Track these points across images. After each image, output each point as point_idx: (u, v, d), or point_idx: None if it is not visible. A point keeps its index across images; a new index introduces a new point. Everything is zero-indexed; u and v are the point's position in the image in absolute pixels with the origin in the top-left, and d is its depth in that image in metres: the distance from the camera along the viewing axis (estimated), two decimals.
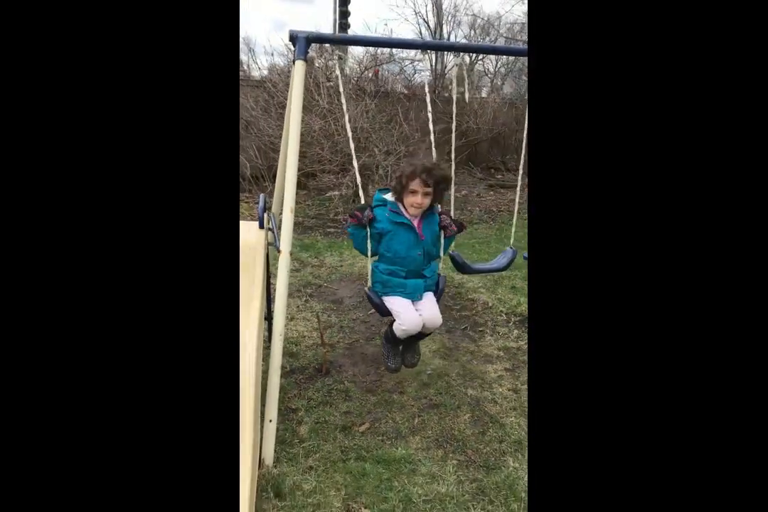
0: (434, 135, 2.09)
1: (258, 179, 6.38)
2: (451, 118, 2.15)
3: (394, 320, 1.90)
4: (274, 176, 6.58)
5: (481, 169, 8.98)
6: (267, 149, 6.14)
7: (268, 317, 2.57)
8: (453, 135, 2.16)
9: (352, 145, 2.03)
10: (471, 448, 1.95)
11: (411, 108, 6.80)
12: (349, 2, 9.76)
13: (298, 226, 5.21)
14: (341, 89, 2.05)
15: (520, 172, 2.47)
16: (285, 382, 2.34)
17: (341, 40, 2.26)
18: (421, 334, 1.99)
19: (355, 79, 7.15)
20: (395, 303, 1.87)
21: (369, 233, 1.83)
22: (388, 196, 1.90)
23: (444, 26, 10.25)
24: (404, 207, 1.85)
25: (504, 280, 3.89)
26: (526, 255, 3.53)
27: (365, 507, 1.64)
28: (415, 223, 1.86)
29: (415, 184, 1.77)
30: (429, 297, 1.93)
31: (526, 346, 2.84)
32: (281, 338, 1.94)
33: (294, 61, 2.00)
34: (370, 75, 7.36)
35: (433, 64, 9.66)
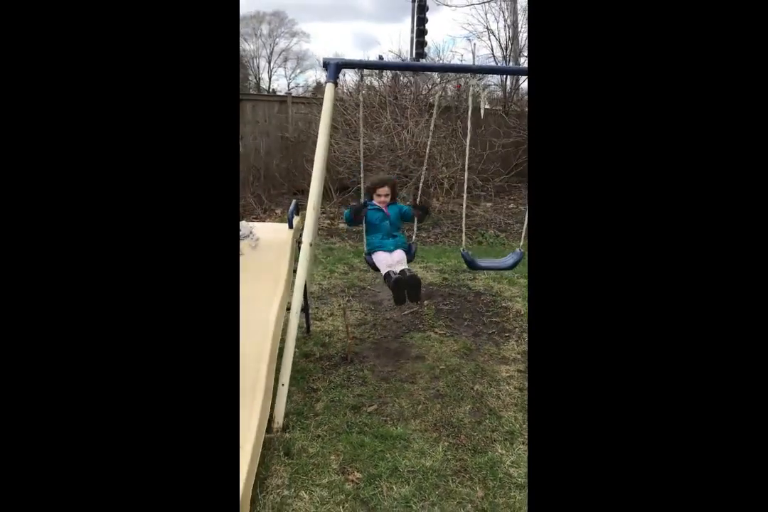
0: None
1: (326, 192, 6.87)
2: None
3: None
4: (342, 189, 7.01)
5: None
6: (334, 164, 6.62)
7: (305, 309, 2.90)
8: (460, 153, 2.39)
9: (362, 160, 2.38)
10: (464, 434, 2.13)
11: (473, 123, 6.99)
12: (426, 21, 10.22)
13: (355, 234, 5.57)
14: (361, 113, 2.36)
15: None
16: (312, 367, 2.66)
17: (368, 65, 2.59)
18: (402, 275, 2.57)
19: (423, 94, 7.48)
20: (377, 255, 2.78)
21: (363, 219, 2.82)
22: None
23: (517, 41, 10.34)
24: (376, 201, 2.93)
25: None
26: None
27: (357, 471, 1.89)
28: (383, 207, 2.89)
29: (380, 191, 2.85)
30: (399, 252, 2.81)
31: None
32: (297, 315, 2.26)
33: (326, 84, 2.35)
34: (445, 90, 7.66)
35: (504, 79, 9.79)
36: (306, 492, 1.77)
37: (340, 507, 1.72)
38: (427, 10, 10.20)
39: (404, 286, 2.52)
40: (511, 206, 7.39)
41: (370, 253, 2.81)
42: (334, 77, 2.32)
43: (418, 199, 3.28)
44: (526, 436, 2.13)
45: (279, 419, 2.10)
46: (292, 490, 1.78)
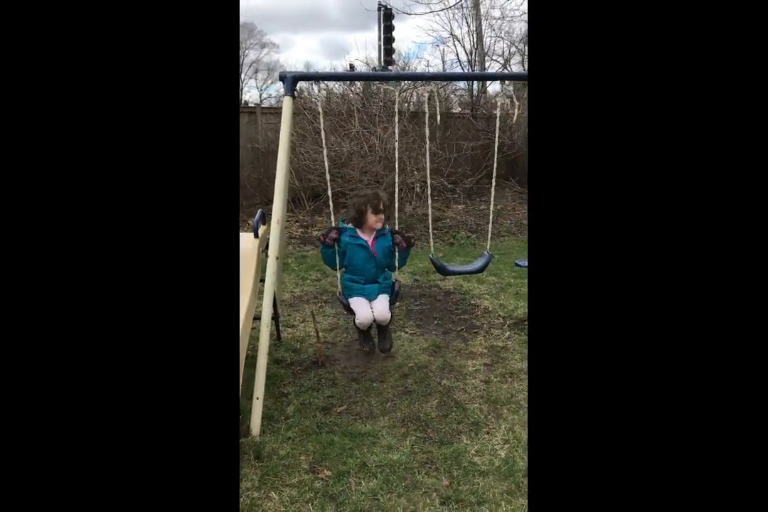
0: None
1: (298, 200, 6.92)
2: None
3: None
4: (314, 197, 7.07)
5: (521, 183, 9.10)
6: (305, 172, 6.69)
7: (275, 317, 2.94)
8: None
9: (327, 170, 2.43)
10: (432, 427, 2.20)
11: (440, 128, 7.14)
12: (392, 29, 10.40)
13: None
14: (321, 123, 2.44)
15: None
16: (283, 372, 2.70)
17: (324, 76, 2.67)
18: (379, 325, 2.50)
19: (391, 100, 7.61)
20: (355, 303, 2.49)
21: (336, 250, 2.40)
22: (349, 225, 2.50)
23: (481, 46, 10.57)
24: (361, 231, 2.47)
25: (510, 288, 4.07)
26: (517, 262, 3.72)
27: (326, 469, 1.94)
28: (370, 243, 2.44)
29: (374, 216, 2.42)
30: (382, 298, 2.51)
31: (510, 345, 3.03)
32: (267, 329, 2.30)
33: (283, 97, 2.42)
34: (412, 96, 7.80)
35: (471, 84, 9.99)
36: (276, 493, 1.82)
37: (309, 504, 1.76)
38: (393, 17, 10.39)
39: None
40: (482, 207, 7.53)
41: (346, 296, 2.47)
42: (291, 90, 2.39)
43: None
44: (490, 425, 2.21)
45: (255, 431, 2.13)
46: (262, 492, 1.82)
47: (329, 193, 2.50)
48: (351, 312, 2.49)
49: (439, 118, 2.58)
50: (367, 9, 10.66)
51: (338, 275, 2.49)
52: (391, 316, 2.55)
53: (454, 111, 9.51)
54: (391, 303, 2.50)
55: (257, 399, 2.18)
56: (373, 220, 2.38)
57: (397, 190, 2.48)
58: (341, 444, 2.06)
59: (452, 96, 9.71)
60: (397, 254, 2.49)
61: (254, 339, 2.44)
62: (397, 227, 2.56)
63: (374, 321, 2.50)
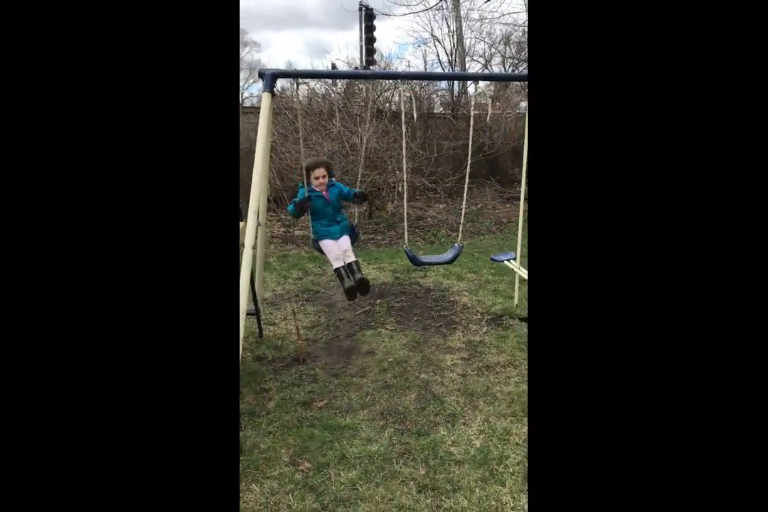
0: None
1: (280, 200, 6.93)
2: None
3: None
4: (296, 196, 7.05)
5: (501, 183, 9.22)
6: (286, 171, 6.70)
7: (257, 314, 2.97)
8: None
9: (303, 161, 2.46)
10: (410, 419, 2.26)
11: (420, 127, 7.22)
12: (374, 29, 10.45)
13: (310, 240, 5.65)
14: (300, 121, 2.47)
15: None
16: (264, 369, 2.74)
17: (302, 74, 2.72)
18: (349, 265, 2.89)
19: (372, 101, 7.66)
20: (325, 244, 2.93)
21: (302, 209, 2.91)
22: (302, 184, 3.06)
23: (462, 47, 10.68)
24: (314, 186, 3.01)
25: (489, 285, 4.15)
26: (493, 257, 3.81)
27: (307, 461, 1.98)
28: (324, 193, 2.98)
29: (312, 174, 2.94)
30: (345, 238, 2.99)
31: (487, 339, 3.11)
32: (243, 320, 2.33)
33: (262, 93, 2.45)
34: (394, 96, 7.85)
35: (452, 85, 10.09)
36: (257, 485, 1.86)
37: (290, 495, 1.81)
38: (375, 18, 10.44)
39: (356, 290, 2.81)
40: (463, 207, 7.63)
41: (317, 240, 2.98)
42: (270, 87, 2.43)
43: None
44: (467, 417, 2.27)
45: None
46: (243, 484, 1.86)
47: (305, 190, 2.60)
48: (321, 252, 2.99)
49: (416, 116, 2.71)
50: (347, 9, 10.67)
51: (310, 226, 3.02)
52: (356, 256, 2.99)
53: (435, 111, 9.60)
54: (353, 242, 3.04)
55: None
56: (315, 182, 2.95)
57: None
58: (321, 438, 2.11)
59: (434, 96, 9.82)
60: (354, 200, 3.06)
61: None
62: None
63: (343, 257, 2.92)
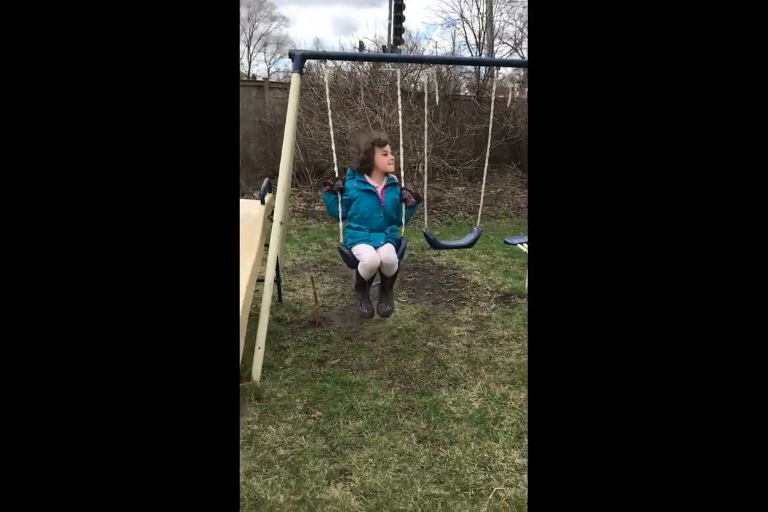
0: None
1: (302, 176, 7.08)
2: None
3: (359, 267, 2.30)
4: (318, 172, 7.20)
5: (523, 168, 9.23)
6: (310, 148, 6.83)
7: (278, 280, 3.16)
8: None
9: (333, 144, 2.58)
10: (415, 381, 2.44)
11: (444, 109, 7.26)
12: (403, 8, 10.36)
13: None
14: (328, 100, 2.60)
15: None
16: (283, 329, 2.94)
17: (330, 55, 2.83)
18: (384, 277, 2.42)
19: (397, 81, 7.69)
20: (360, 248, 2.30)
21: (340, 199, 2.33)
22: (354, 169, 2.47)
23: (491, 29, 10.55)
24: (370, 177, 2.37)
25: (501, 266, 4.28)
26: (506, 240, 3.92)
27: (318, 410, 2.18)
28: (379, 190, 2.36)
29: (380, 150, 2.30)
30: (388, 246, 2.30)
31: (494, 315, 3.26)
32: (270, 287, 2.52)
33: (291, 74, 2.58)
34: (419, 77, 7.86)
35: (479, 68, 10.00)
36: (273, 427, 2.06)
37: (303, 437, 2.01)
38: None
39: (370, 317, 2.41)
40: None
41: (348, 246, 2.29)
42: (299, 68, 2.55)
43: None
44: (468, 381, 2.45)
45: (256, 377, 2.37)
46: (261, 425, 2.07)
47: (335, 169, 2.63)
48: (352, 263, 2.27)
49: (437, 99, 2.73)
50: None
51: (340, 226, 2.34)
52: (398, 269, 2.35)
53: (461, 93, 9.57)
54: (399, 257, 2.30)
55: (259, 348, 2.41)
56: (385, 160, 2.21)
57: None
58: (333, 391, 2.31)
59: (461, 78, 9.75)
60: (404, 210, 2.39)
61: (257, 300, 2.65)
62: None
63: (380, 269, 2.29)
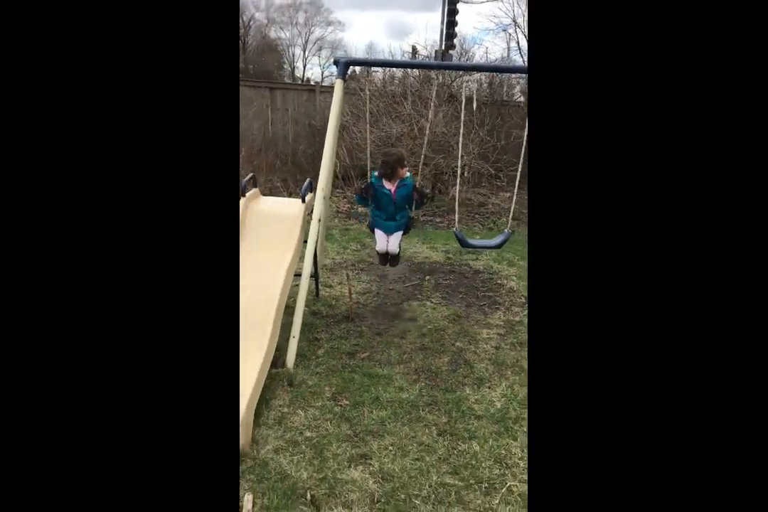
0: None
1: (348, 178, 7.26)
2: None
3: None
4: (363, 175, 7.36)
5: None
6: (356, 151, 7.00)
7: (315, 276, 3.31)
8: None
9: (368, 149, 2.70)
10: (440, 378, 2.51)
11: (489, 115, 7.26)
12: (456, 13, 10.41)
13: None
14: (367, 107, 2.73)
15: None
16: (318, 322, 3.08)
17: (372, 63, 2.96)
18: (391, 254, 3.17)
19: (445, 86, 7.76)
20: (377, 234, 3.17)
21: (369, 198, 3.08)
22: (377, 175, 3.13)
23: None
24: (387, 181, 3.04)
25: None
26: None
27: (345, 399, 2.30)
28: (392, 191, 3.05)
29: (405, 171, 3.09)
30: (397, 235, 3.14)
31: (526, 320, 3.27)
32: (307, 280, 2.66)
33: (335, 80, 2.73)
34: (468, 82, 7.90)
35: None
36: (302, 411, 2.19)
37: (329, 422, 2.13)
38: (459, 1, 10.37)
39: (386, 258, 3.21)
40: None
41: (372, 226, 3.21)
42: (343, 74, 2.69)
43: (434, 188, 3.31)
44: (493, 382, 2.49)
45: (290, 364, 2.52)
46: (291, 409, 2.20)
47: (368, 176, 2.83)
48: (374, 241, 3.23)
49: (475, 106, 2.88)
50: None
51: (368, 211, 3.23)
52: (400, 250, 3.22)
53: (513, 98, 9.50)
54: (404, 233, 3.18)
55: (293, 337, 2.56)
56: (402, 173, 3.08)
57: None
58: (360, 382, 2.42)
59: (513, 82, 9.68)
60: (414, 204, 3.17)
61: (293, 293, 2.81)
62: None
63: (387, 247, 3.18)
